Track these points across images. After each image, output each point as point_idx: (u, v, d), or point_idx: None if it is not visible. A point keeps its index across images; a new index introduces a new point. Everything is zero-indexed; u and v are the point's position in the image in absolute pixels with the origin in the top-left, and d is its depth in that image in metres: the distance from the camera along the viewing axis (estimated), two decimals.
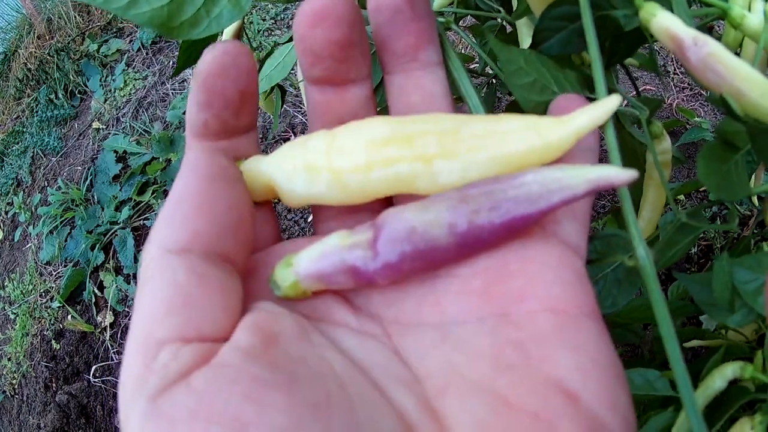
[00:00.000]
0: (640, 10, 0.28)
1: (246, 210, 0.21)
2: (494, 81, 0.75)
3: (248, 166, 0.23)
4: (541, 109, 0.29)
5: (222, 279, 0.19)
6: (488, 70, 0.73)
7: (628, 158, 0.48)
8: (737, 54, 0.43)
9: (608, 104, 0.22)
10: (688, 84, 1.51)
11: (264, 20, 2.22)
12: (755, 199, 0.69)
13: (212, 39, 0.45)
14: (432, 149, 0.21)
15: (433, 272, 0.21)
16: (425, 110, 0.24)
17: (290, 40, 0.58)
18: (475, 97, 0.26)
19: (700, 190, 1.24)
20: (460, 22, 1.47)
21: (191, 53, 0.45)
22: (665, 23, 0.27)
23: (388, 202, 0.24)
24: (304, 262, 0.21)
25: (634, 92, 0.60)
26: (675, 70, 1.55)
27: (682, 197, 1.23)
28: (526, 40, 0.53)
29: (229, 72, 0.21)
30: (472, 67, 1.21)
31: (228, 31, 0.59)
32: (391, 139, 0.21)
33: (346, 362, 0.19)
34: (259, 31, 2.18)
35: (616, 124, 0.28)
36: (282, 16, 2.25)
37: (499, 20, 0.63)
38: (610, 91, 0.26)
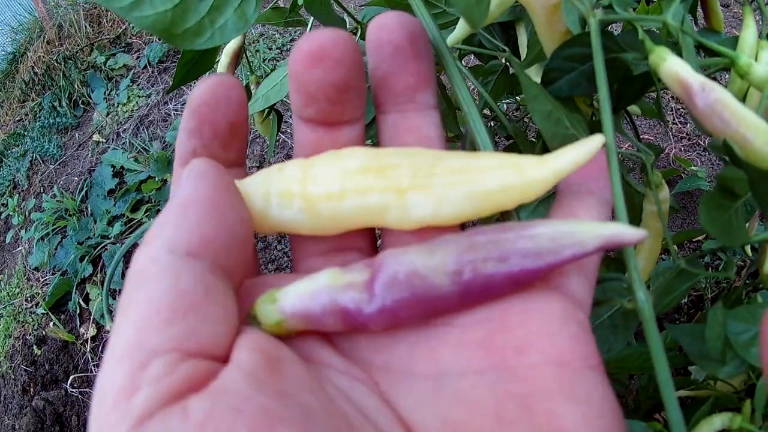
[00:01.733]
0: (651, 54, 0.28)
1: (251, 226, 0.20)
2: (493, 123, 0.75)
3: None
4: (559, 140, 0.29)
5: (225, 294, 0.17)
6: (486, 111, 0.74)
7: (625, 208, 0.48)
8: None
9: (591, 144, 0.21)
10: (686, 134, 1.53)
11: (270, 49, 2.24)
12: (748, 249, 0.69)
13: (212, 55, 0.46)
14: (405, 181, 0.20)
15: (428, 320, 0.20)
16: None
17: None
18: (484, 132, 0.26)
19: (693, 240, 1.25)
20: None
21: (189, 70, 0.45)
22: (674, 68, 0.27)
23: (374, 240, 0.24)
24: (291, 299, 0.19)
25: (636, 139, 0.61)
26: (674, 119, 1.57)
27: (674, 248, 1.23)
28: (534, 78, 0.53)
29: (221, 103, 0.21)
30: None
31: (228, 50, 0.59)
32: (366, 169, 0.21)
33: (347, 401, 0.18)
34: (264, 60, 2.20)
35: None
36: (288, 46, 2.27)
37: (503, 60, 0.63)
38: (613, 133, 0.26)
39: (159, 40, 2.47)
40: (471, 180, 0.20)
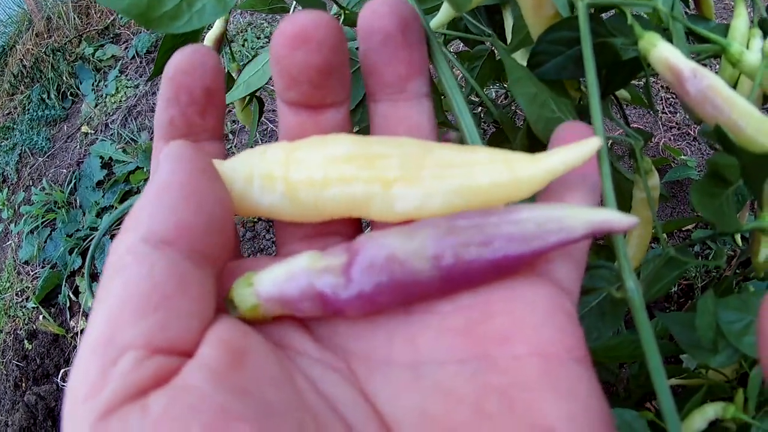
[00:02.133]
0: (640, 40, 0.28)
1: (230, 211, 0.19)
2: (480, 110, 0.74)
3: None
4: (543, 123, 0.29)
5: (201, 282, 0.17)
6: (474, 98, 0.73)
7: (615, 194, 0.47)
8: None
9: (587, 147, 0.20)
10: (676, 123, 1.53)
11: (258, 38, 2.23)
12: (738, 239, 0.69)
13: (192, 40, 0.45)
14: (392, 173, 0.20)
15: (408, 306, 0.19)
16: None
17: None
18: (469, 119, 0.25)
19: (683, 229, 1.25)
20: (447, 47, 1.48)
21: (170, 57, 0.45)
22: (665, 54, 0.27)
23: (359, 226, 0.23)
24: (268, 283, 0.19)
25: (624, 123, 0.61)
26: (663, 109, 1.57)
27: (664, 236, 1.23)
28: (521, 62, 0.53)
29: (196, 69, 0.21)
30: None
31: (210, 37, 0.58)
32: (352, 158, 0.20)
33: (316, 393, 0.18)
34: (253, 49, 2.18)
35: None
36: None
37: (489, 45, 0.62)
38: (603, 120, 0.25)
39: (147, 30, 2.45)
40: (460, 174, 0.20)
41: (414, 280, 0.18)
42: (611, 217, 0.18)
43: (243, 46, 2.18)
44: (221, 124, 0.23)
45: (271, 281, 0.19)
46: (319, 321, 0.20)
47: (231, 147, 1.87)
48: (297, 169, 0.20)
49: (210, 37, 0.58)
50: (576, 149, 0.20)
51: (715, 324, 0.39)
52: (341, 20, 0.56)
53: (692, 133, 1.50)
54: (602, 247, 0.57)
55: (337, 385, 0.18)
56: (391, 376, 0.19)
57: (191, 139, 0.22)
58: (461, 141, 0.26)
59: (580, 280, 0.21)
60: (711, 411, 0.42)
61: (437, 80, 0.27)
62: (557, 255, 0.21)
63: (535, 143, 0.38)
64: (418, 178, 0.20)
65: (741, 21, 0.38)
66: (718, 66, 0.41)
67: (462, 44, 0.67)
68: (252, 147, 0.23)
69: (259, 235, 1.65)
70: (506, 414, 0.17)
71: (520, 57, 0.49)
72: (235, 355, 0.16)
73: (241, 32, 2.26)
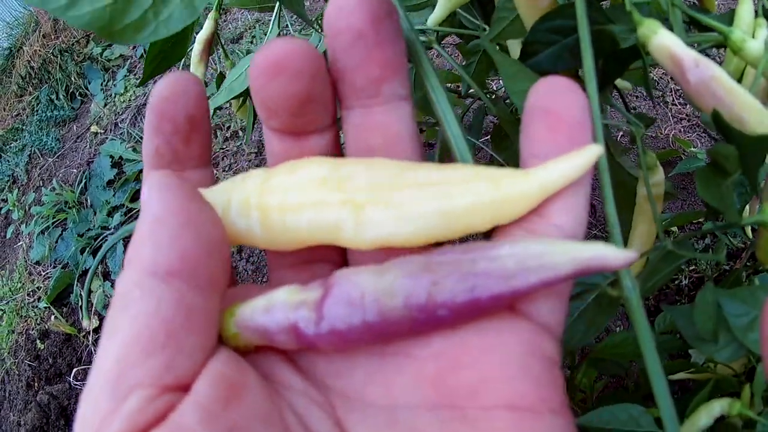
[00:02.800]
0: (639, 27, 0.27)
1: (224, 231, 0.19)
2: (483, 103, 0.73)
3: None
4: None
5: (207, 311, 0.17)
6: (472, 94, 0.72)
7: (617, 191, 0.46)
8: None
9: (587, 155, 0.18)
10: (686, 115, 1.52)
11: (266, 35, 2.22)
12: (749, 231, 0.68)
13: (182, 46, 0.45)
14: (362, 195, 0.19)
15: (384, 346, 0.19)
16: (387, 154, 0.21)
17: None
18: (454, 123, 0.23)
19: (694, 223, 1.24)
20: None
21: (159, 62, 0.44)
22: (666, 42, 0.26)
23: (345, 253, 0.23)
24: (247, 314, 0.19)
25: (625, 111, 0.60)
26: (673, 100, 1.56)
27: (675, 229, 1.22)
28: (515, 56, 0.52)
29: (178, 96, 0.21)
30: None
31: (200, 38, 0.58)
32: (323, 181, 0.19)
33: (302, 427, 0.18)
34: (247, 52, 2.18)
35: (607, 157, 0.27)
36: (285, 31, 2.24)
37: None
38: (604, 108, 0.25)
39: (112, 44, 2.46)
40: (438, 195, 0.18)
41: (385, 320, 0.17)
42: (605, 254, 0.16)
43: (252, 42, 2.18)
44: (207, 151, 0.22)
45: (250, 312, 0.19)
46: (300, 354, 0.20)
47: (241, 144, 1.87)
48: (270, 195, 0.20)
49: (200, 38, 0.58)
50: (574, 160, 0.18)
51: (715, 315, 0.38)
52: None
53: (702, 125, 1.49)
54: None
55: (319, 419, 0.18)
56: (367, 416, 0.18)
57: (177, 168, 0.22)
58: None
59: (565, 316, 0.20)
60: (717, 407, 0.41)
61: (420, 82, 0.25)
62: (539, 292, 0.19)
63: None
64: (390, 201, 0.18)
65: (745, 9, 0.37)
66: (719, 58, 0.40)
67: (459, 38, 0.66)
68: (248, 145, 0.23)
69: (254, 253, 1.65)
70: None
71: (516, 49, 0.48)
72: (229, 391, 0.16)
73: (250, 29, 2.26)
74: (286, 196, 0.20)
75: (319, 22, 0.60)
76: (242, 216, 0.20)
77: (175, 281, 0.17)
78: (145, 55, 2.00)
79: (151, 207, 0.18)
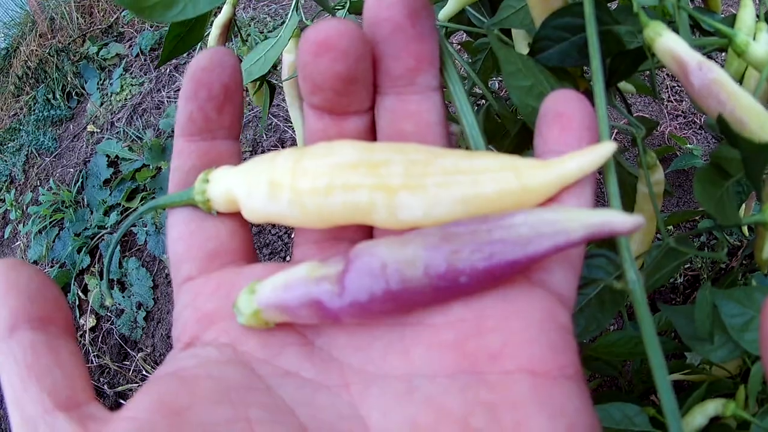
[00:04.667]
0: (645, 28, 0.27)
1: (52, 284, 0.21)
2: (485, 102, 0.73)
3: (216, 175, 0.22)
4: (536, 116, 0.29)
5: (60, 344, 0.19)
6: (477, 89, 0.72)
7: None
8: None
9: (602, 151, 0.19)
10: (682, 112, 1.52)
11: (262, 33, 2.22)
12: (745, 230, 0.68)
13: (200, 29, 0.45)
14: (396, 180, 0.19)
15: (404, 316, 0.19)
16: (418, 139, 0.22)
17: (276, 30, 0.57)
18: (471, 118, 0.25)
19: (689, 221, 1.24)
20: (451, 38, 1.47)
21: (177, 44, 0.45)
22: (670, 44, 0.26)
23: (370, 230, 0.23)
24: (268, 291, 0.19)
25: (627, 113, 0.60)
26: (669, 97, 1.56)
27: (670, 227, 1.22)
28: (522, 52, 0.52)
29: (215, 66, 0.22)
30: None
31: (218, 23, 0.57)
32: (356, 165, 0.20)
33: (273, 423, 0.18)
34: (256, 44, 2.18)
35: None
36: (281, 30, 2.24)
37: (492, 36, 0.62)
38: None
39: (151, 27, 2.45)
40: (466, 182, 0.19)
41: (406, 289, 0.18)
42: (613, 218, 0.17)
43: (246, 41, 2.18)
44: (238, 123, 0.23)
45: (270, 289, 0.19)
46: (319, 333, 0.20)
47: (244, 136, 1.87)
48: (303, 177, 0.20)
49: (218, 23, 0.57)
50: (590, 154, 0.19)
51: (711, 314, 0.39)
52: (346, 8, 0.55)
53: (698, 121, 1.49)
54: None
55: (322, 406, 0.19)
56: (385, 389, 0.19)
57: (207, 137, 0.23)
58: (461, 134, 0.25)
59: (577, 284, 0.21)
60: (711, 407, 0.41)
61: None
62: (553, 260, 0.20)
63: (528, 140, 0.37)
64: (422, 185, 0.19)
65: (747, 12, 0.37)
66: (722, 60, 0.40)
67: (465, 35, 0.66)
68: (264, 130, 0.24)
69: (265, 230, 1.66)
70: (492, 430, 0.17)
71: (522, 47, 0.48)
72: (169, 412, 0.17)
73: (244, 27, 2.26)
74: (319, 179, 0.20)
75: (336, 9, 0.60)
76: (273, 197, 0.21)
77: (15, 334, 0.19)
78: (141, 54, 1.98)
79: None
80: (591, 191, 0.20)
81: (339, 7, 0.60)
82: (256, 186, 0.21)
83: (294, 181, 0.20)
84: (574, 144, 0.20)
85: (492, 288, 0.19)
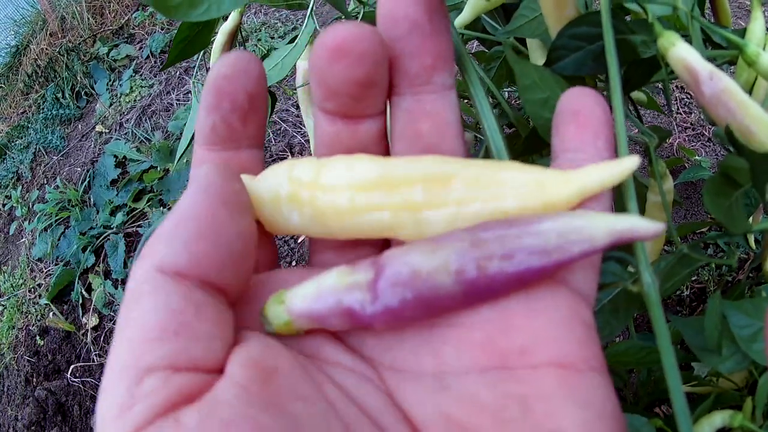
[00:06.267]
0: (660, 38, 0.28)
1: (252, 243, 0.19)
2: (495, 111, 0.74)
3: None
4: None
5: (217, 309, 0.18)
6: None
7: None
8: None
9: (625, 165, 0.19)
10: (691, 124, 1.52)
11: (272, 38, 2.23)
12: (752, 242, 0.68)
13: (208, 33, 0.45)
14: (419, 197, 0.20)
15: (432, 320, 0.20)
16: (435, 139, 0.22)
17: (291, 40, 0.57)
18: (492, 121, 0.25)
19: (697, 232, 1.24)
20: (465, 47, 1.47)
21: (185, 47, 0.45)
22: (683, 54, 0.27)
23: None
24: (299, 300, 0.19)
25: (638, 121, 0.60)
26: (678, 109, 1.56)
27: (678, 239, 1.22)
28: (538, 62, 0.52)
29: (239, 74, 0.21)
30: None
31: (224, 30, 0.57)
32: (378, 184, 0.20)
33: (348, 402, 0.18)
34: (266, 49, 2.19)
35: None
36: (291, 35, 2.25)
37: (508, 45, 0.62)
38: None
39: (161, 30, 2.46)
40: (488, 197, 0.19)
41: (438, 295, 0.18)
42: (637, 225, 0.18)
43: (257, 46, 2.19)
44: (262, 131, 0.22)
45: (301, 299, 0.19)
46: (349, 333, 0.20)
47: None
48: (323, 194, 0.20)
49: (224, 29, 0.57)
50: (612, 167, 0.19)
51: (720, 325, 0.39)
52: (360, 16, 0.56)
53: (707, 133, 1.49)
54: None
55: (369, 393, 0.19)
56: (417, 385, 0.19)
57: (231, 146, 0.22)
58: (474, 140, 0.26)
59: (597, 284, 0.21)
60: (719, 419, 0.41)
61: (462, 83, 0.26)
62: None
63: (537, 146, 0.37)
64: (444, 201, 0.20)
65: (757, 25, 0.38)
66: (733, 70, 0.40)
67: (477, 44, 0.66)
68: (274, 155, 0.24)
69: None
70: (524, 420, 0.17)
71: (539, 57, 0.49)
72: (264, 373, 0.17)
73: (255, 32, 2.27)
74: (340, 197, 0.20)
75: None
76: (293, 212, 0.21)
77: (182, 281, 0.17)
78: (151, 56, 2.00)
79: (182, 203, 0.18)
80: (610, 198, 0.21)
81: (353, 15, 0.60)
82: (276, 200, 0.21)
83: (313, 197, 0.20)
84: (590, 141, 0.21)
85: (519, 291, 0.19)
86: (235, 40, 0.58)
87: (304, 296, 0.19)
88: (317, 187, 0.20)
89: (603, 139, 0.21)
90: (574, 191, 0.19)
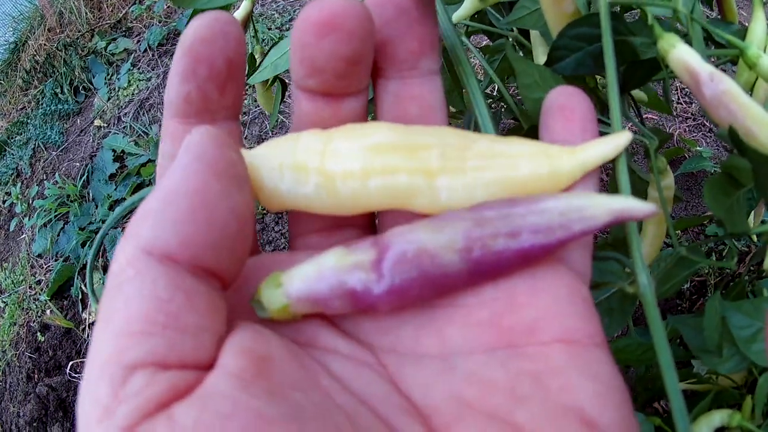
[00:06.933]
0: (659, 40, 0.28)
1: (251, 221, 0.17)
2: (498, 105, 0.74)
3: None
4: None
5: (209, 297, 0.16)
6: (491, 92, 0.72)
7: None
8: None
9: (619, 140, 0.21)
10: (691, 114, 1.51)
11: (270, 29, 2.22)
12: (754, 235, 0.68)
13: None
14: (435, 163, 0.19)
15: (434, 300, 0.19)
16: (420, 122, 0.21)
17: None
18: (485, 111, 0.26)
19: (697, 226, 1.23)
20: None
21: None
22: (683, 56, 0.27)
23: (373, 218, 0.23)
24: (297, 283, 0.18)
25: (639, 122, 0.59)
26: (678, 99, 1.55)
27: (678, 232, 1.21)
28: (540, 60, 0.52)
29: (218, 37, 0.19)
30: None
31: (236, 18, 0.57)
32: (393, 147, 0.19)
33: (345, 392, 0.18)
34: (263, 40, 2.18)
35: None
36: (288, 26, 2.24)
37: (510, 40, 0.62)
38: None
39: (159, 23, 2.45)
40: (503, 165, 0.20)
41: (444, 273, 0.18)
42: (632, 205, 0.19)
43: (254, 36, 2.18)
44: (240, 101, 0.21)
45: (300, 280, 0.19)
46: (344, 318, 0.20)
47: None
48: (334, 159, 0.19)
49: (237, 17, 0.56)
50: (609, 142, 0.21)
51: (720, 326, 0.39)
52: None
53: (708, 124, 1.48)
54: (614, 240, 0.56)
55: (369, 381, 0.18)
56: (422, 367, 0.19)
57: (207, 118, 0.20)
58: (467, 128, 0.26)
59: (591, 262, 0.22)
60: (717, 418, 0.41)
61: (457, 70, 0.27)
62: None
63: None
64: (461, 169, 0.20)
65: (759, 25, 0.38)
66: (735, 69, 0.40)
67: (487, 40, 0.66)
68: (273, 130, 0.23)
69: (268, 227, 1.66)
70: (539, 396, 0.17)
71: (541, 53, 0.49)
72: (259, 361, 0.16)
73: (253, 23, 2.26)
74: (354, 161, 0.19)
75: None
76: (298, 182, 0.20)
77: (171, 265, 0.15)
78: (149, 50, 1.99)
79: (171, 175, 0.16)
80: (597, 180, 0.22)
81: None
82: (279, 169, 0.20)
83: (323, 164, 0.19)
84: (577, 133, 0.21)
85: (522, 269, 0.19)
86: (246, 28, 0.57)
87: (303, 278, 0.18)
88: (327, 153, 0.19)
89: (590, 133, 0.21)
90: (577, 163, 0.20)
